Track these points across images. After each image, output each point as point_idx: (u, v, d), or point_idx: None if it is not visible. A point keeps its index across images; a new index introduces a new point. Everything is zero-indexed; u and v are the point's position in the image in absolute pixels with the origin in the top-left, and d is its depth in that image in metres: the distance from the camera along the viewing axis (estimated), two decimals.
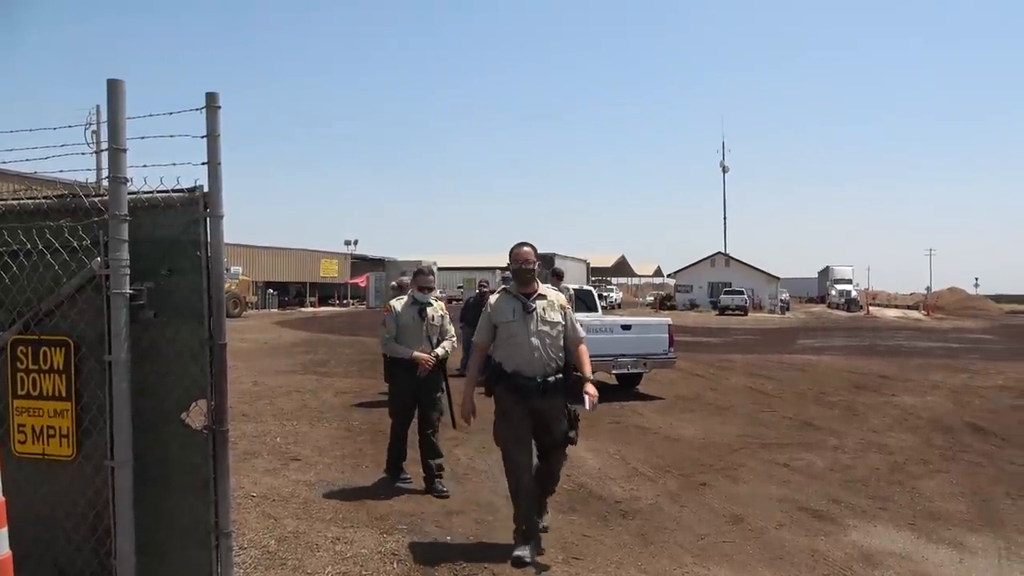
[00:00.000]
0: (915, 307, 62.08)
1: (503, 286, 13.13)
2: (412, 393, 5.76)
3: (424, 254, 62.85)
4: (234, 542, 3.98)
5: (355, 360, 15.30)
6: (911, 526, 5.15)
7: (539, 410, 4.21)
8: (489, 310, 4.37)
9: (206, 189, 2.60)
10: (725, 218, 78.51)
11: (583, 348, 4.38)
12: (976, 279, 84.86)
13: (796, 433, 8.42)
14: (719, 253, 59.70)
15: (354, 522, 4.92)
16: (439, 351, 5.77)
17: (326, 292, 51.67)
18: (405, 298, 5.99)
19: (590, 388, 4.15)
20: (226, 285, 19.26)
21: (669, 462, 6.92)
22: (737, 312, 47.23)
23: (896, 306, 69.47)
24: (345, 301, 51.56)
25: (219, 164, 2.59)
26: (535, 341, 4.18)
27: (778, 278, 57.94)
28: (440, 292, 45.67)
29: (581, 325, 4.48)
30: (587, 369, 4.30)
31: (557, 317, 4.28)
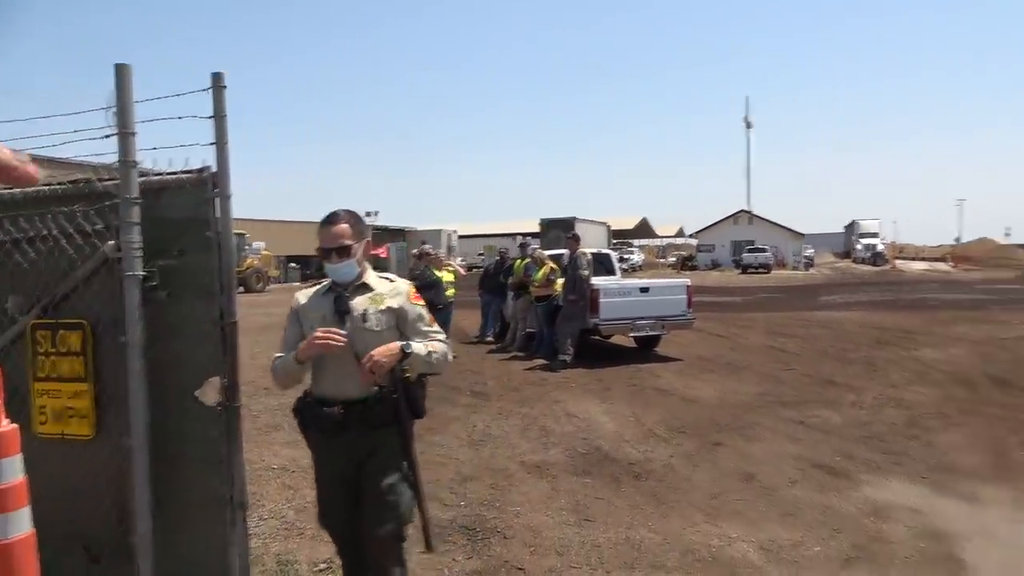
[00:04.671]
0: (943, 259, 61.02)
1: (512, 256, 13.15)
2: (340, 471, 2.80)
3: (444, 223, 63.08)
4: (252, 513, 4.15)
5: None
6: (924, 480, 5.18)
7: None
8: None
9: (214, 169, 2.66)
10: (749, 175, 77.23)
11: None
12: (1007, 229, 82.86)
13: (814, 390, 8.43)
14: (742, 211, 58.94)
15: None
16: (413, 347, 2.72)
17: None
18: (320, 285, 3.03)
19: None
20: (248, 260, 19.65)
21: (685, 423, 6.98)
22: (760, 270, 46.77)
23: (924, 259, 68.21)
24: None
25: (226, 144, 2.63)
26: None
27: (802, 234, 57.14)
28: (460, 260, 45.53)
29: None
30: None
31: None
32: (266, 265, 35.94)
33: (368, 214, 55.02)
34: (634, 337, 11.23)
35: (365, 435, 2.71)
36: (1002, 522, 4.39)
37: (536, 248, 12.57)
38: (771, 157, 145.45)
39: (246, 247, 34.50)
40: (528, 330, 11.97)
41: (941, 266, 53.48)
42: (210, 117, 2.59)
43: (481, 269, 16.25)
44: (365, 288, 2.85)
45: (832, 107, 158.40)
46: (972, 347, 11.41)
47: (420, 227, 59.09)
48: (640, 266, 58.89)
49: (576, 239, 10.85)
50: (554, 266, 11.14)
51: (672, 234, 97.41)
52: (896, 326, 14.62)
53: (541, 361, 10.70)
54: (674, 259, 66.34)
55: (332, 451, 2.78)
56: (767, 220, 57.38)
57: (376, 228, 55.49)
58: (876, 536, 4.21)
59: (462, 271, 13.04)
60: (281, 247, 42.72)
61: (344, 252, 2.77)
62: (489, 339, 13.17)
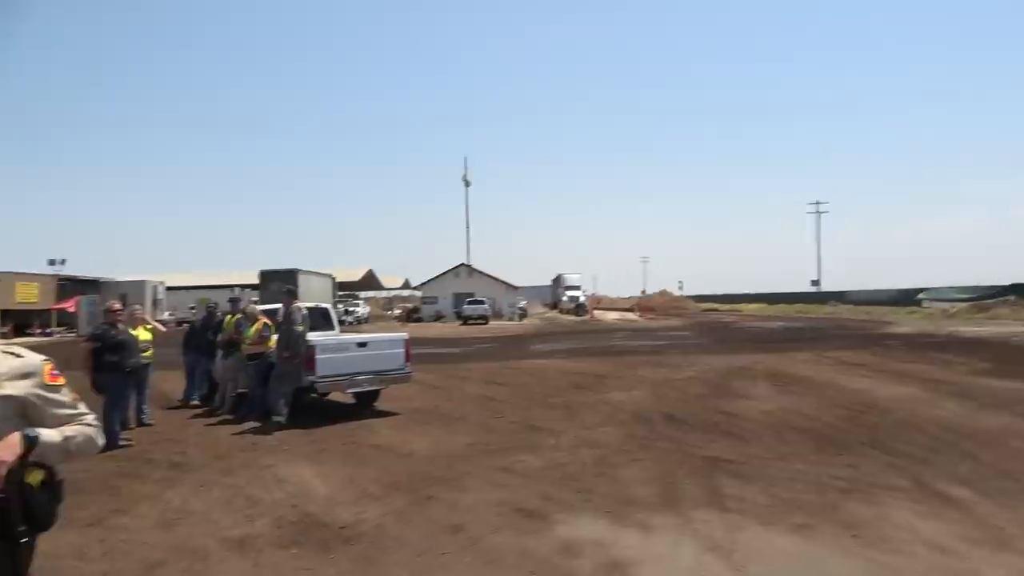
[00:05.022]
0: (631, 310, 69.72)
1: (222, 310, 12.38)
2: None
3: (150, 273, 57.10)
4: None
5: None
6: (608, 514, 5.76)
7: None
8: None
9: None
10: (468, 230, 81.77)
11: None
12: (680, 282, 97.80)
13: (521, 436, 9.00)
14: (462, 265, 61.92)
15: None
16: (41, 435, 2.13)
17: (24, 320, 44.53)
18: None
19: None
20: None
21: (399, 478, 7.00)
22: (479, 321, 49.34)
23: (617, 309, 77.49)
24: (49, 331, 44.85)
25: None
26: None
27: (516, 287, 61.53)
28: (168, 314, 41.80)
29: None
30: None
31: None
32: None
33: (52, 262, 48.04)
34: (352, 393, 11.08)
35: None
36: (666, 546, 5.03)
37: (248, 302, 11.92)
38: (489, 213, 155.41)
39: None
40: (239, 391, 11.22)
41: (630, 315, 60.99)
42: None
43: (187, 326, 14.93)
44: None
45: (542, 170, 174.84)
46: (651, 388, 13.10)
47: (120, 277, 52.95)
48: (366, 319, 58.76)
49: (291, 294, 10.49)
50: (268, 321, 10.65)
51: (399, 286, 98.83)
52: (592, 371, 16.28)
53: (253, 424, 10.07)
54: (400, 311, 67.27)
55: None
56: (485, 273, 60.93)
57: (63, 279, 48.55)
58: (566, 572, 4.57)
59: (161, 328, 11.85)
60: None
61: None
62: (195, 402, 12.09)
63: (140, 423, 10.07)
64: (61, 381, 2.35)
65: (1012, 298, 42.93)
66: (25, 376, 2.25)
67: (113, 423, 8.76)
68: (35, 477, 2.12)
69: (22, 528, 2.07)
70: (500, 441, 8.73)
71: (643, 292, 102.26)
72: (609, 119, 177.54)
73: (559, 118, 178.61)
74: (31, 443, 2.09)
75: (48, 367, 2.34)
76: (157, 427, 10.08)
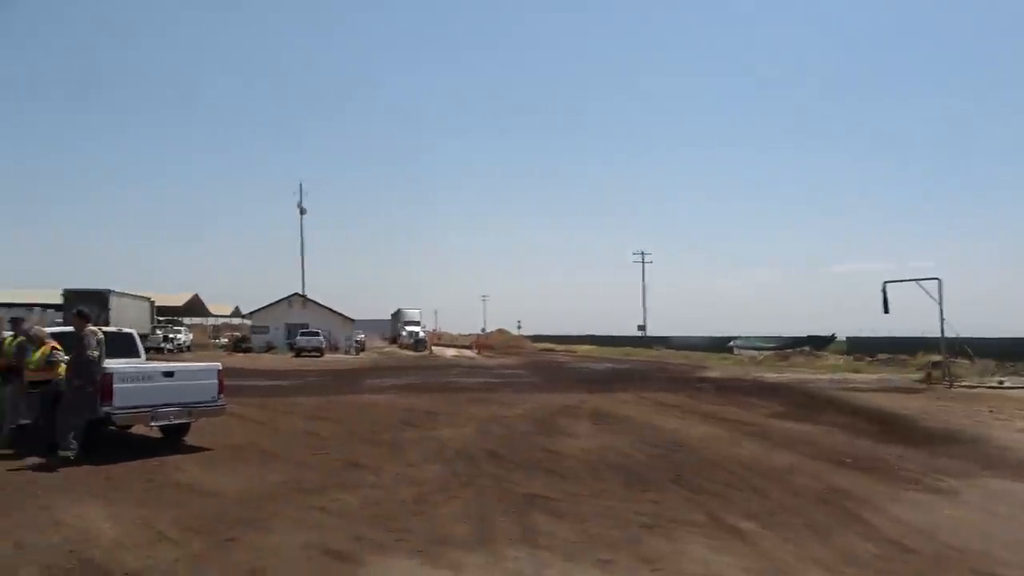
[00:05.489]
0: (470, 347, 70.40)
1: (5, 332, 11.09)
2: None
3: None
4: None
5: None
6: (421, 553, 5.65)
7: None
8: None
9: None
10: (303, 259, 78.84)
11: None
12: (519, 321, 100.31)
13: (340, 474, 8.69)
14: (296, 294, 59.59)
15: None
16: None
17: None
18: None
19: None
20: None
21: (201, 520, 6.49)
22: (314, 353, 47.61)
23: (456, 345, 77.99)
24: None
25: None
26: None
27: (353, 320, 60.12)
28: None
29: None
30: None
31: None
32: None
33: None
34: (158, 427, 10.21)
35: None
36: None
37: (33, 324, 10.71)
38: (326, 243, 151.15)
39: None
40: (21, 422, 9.97)
41: (468, 352, 61.51)
42: None
43: None
44: None
45: (384, 202, 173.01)
46: (478, 425, 13.18)
47: None
48: (190, 346, 54.91)
49: (83, 316, 9.55)
50: (56, 346, 9.60)
51: (228, 313, 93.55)
52: (423, 408, 16.15)
53: (35, 459, 8.97)
54: (227, 340, 63.46)
55: None
56: (321, 304, 59.02)
57: None
58: None
59: None
60: None
61: None
62: None
63: None
64: None
65: (807, 348, 47.97)
66: None
67: None
68: None
69: None
70: (318, 479, 8.37)
71: (483, 330, 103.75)
72: (449, 154, 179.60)
73: (399, 150, 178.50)
74: None
75: None
76: None
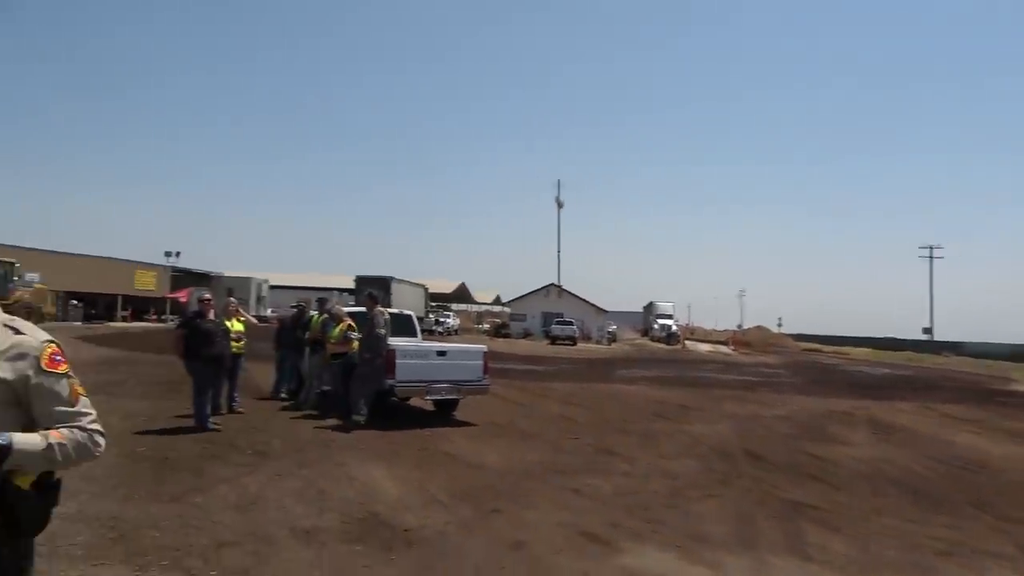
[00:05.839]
0: (725, 343, 67.61)
1: (309, 311, 12.76)
2: None
3: (256, 270, 60.12)
4: None
5: (156, 381, 14.20)
6: (677, 548, 5.51)
7: None
8: None
9: None
10: (559, 251, 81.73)
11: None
12: (780, 319, 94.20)
13: (594, 459, 8.81)
14: (552, 285, 61.90)
15: (108, 558, 4.50)
16: (15, 441, 1.83)
17: (141, 306, 47.75)
18: None
19: None
20: (17, 293, 17.47)
21: (468, 489, 6.97)
22: (567, 342, 49.07)
23: (710, 341, 75.39)
24: (163, 317, 47.89)
25: None
26: None
27: (605, 311, 60.92)
28: (270, 311, 43.73)
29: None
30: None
31: None
32: (39, 300, 32.02)
33: (168, 255, 51.32)
34: (432, 400, 11.18)
35: None
36: None
37: (335, 303, 12.28)
38: (582, 235, 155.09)
39: (15, 278, 30.71)
40: (324, 388, 11.53)
41: (723, 348, 59.18)
42: None
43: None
44: None
45: (637, 191, 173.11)
46: (736, 423, 12.57)
47: (229, 273, 55.98)
48: (456, 330, 59.62)
49: (373, 298, 10.73)
50: (352, 323, 10.91)
51: (490, 301, 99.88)
52: (675, 401, 15.82)
53: (334, 421, 10.31)
54: (488, 326, 67.87)
55: None
56: (575, 295, 60.65)
57: (176, 271, 51.77)
58: None
59: (254, 320, 12.36)
60: (63, 281, 38.33)
61: None
62: (283, 396, 12.51)
63: (231, 410, 10.51)
64: (62, 369, 2.01)
65: None
66: (19, 357, 1.95)
67: (202, 407, 9.17)
68: (25, 479, 1.89)
69: (8, 533, 1.87)
70: (572, 462, 8.56)
71: (739, 326, 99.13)
72: (709, 144, 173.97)
73: (659, 143, 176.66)
74: (3, 451, 1.79)
75: (49, 350, 2.00)
76: (246, 415, 10.48)
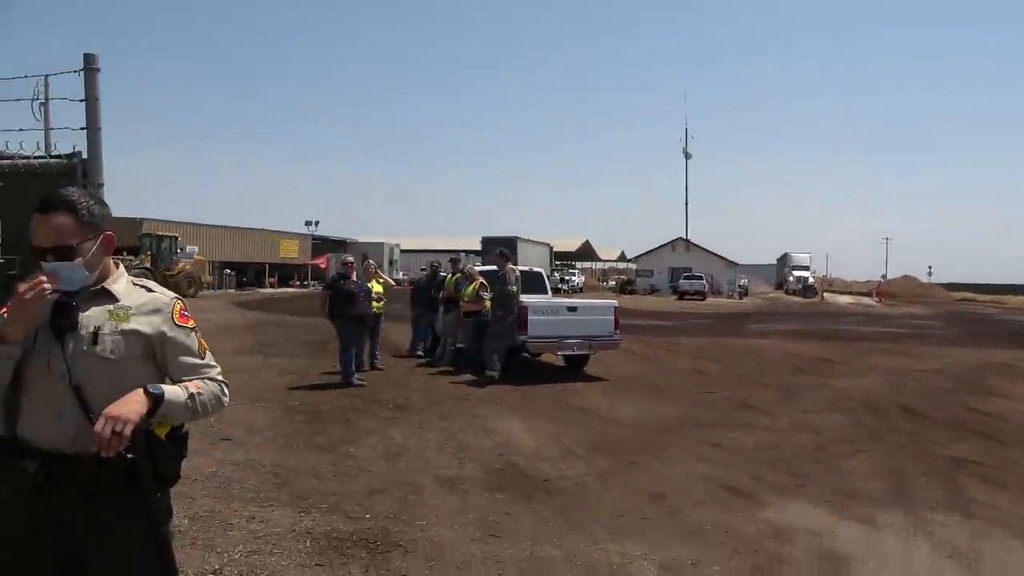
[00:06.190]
0: (868, 294, 63.52)
1: (444, 270, 13.06)
2: (38, 556, 1.93)
3: (388, 236, 62.57)
4: None
5: (305, 341, 15.16)
6: (827, 503, 5.29)
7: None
8: None
9: (84, 156, 2.53)
10: (687, 204, 79.26)
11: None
12: (930, 267, 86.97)
13: (731, 414, 8.59)
14: (679, 239, 60.32)
15: (274, 501, 4.89)
16: (166, 392, 1.92)
17: (286, 273, 51.00)
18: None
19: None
20: (180, 264, 19.18)
21: (602, 442, 7.00)
22: (695, 297, 47.85)
23: (851, 292, 71.05)
24: (306, 283, 50.99)
25: (99, 130, 2.52)
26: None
27: (736, 264, 58.76)
28: (402, 274, 45.59)
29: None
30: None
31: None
32: (199, 270, 34.89)
33: (308, 224, 54.35)
34: (562, 356, 11.27)
35: (81, 507, 1.89)
36: (895, 545, 4.51)
37: (467, 263, 12.56)
38: (710, 186, 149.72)
39: (178, 251, 33.57)
40: (458, 345, 11.89)
41: (866, 300, 55.63)
42: (81, 100, 2.47)
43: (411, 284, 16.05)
44: (105, 297, 2.00)
45: (767, 140, 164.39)
46: (885, 377, 11.84)
47: (362, 239, 58.60)
48: (582, 288, 59.58)
49: (504, 256, 10.86)
50: (484, 282, 11.13)
51: (614, 258, 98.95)
52: (816, 355, 15.09)
53: (468, 376, 10.63)
54: (614, 283, 67.36)
55: (29, 521, 1.90)
56: (703, 248, 58.85)
57: (316, 238, 54.78)
58: (774, 557, 4.27)
59: (392, 283, 12.87)
60: (217, 252, 41.62)
61: (64, 253, 1.90)
62: (419, 353, 13.03)
63: (373, 367, 11.07)
64: (191, 324, 2.09)
65: None
66: (154, 312, 2.04)
67: (348, 364, 9.71)
68: (163, 429, 1.98)
69: (154, 482, 1.94)
70: (708, 416, 8.39)
71: (883, 276, 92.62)
72: (839, 86, 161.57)
73: (786, 84, 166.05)
74: (156, 401, 1.87)
75: (179, 306, 2.09)
76: (387, 372, 11.01)
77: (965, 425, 8.18)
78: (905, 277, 77.64)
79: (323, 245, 54.73)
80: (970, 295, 67.37)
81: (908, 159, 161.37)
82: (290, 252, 50.99)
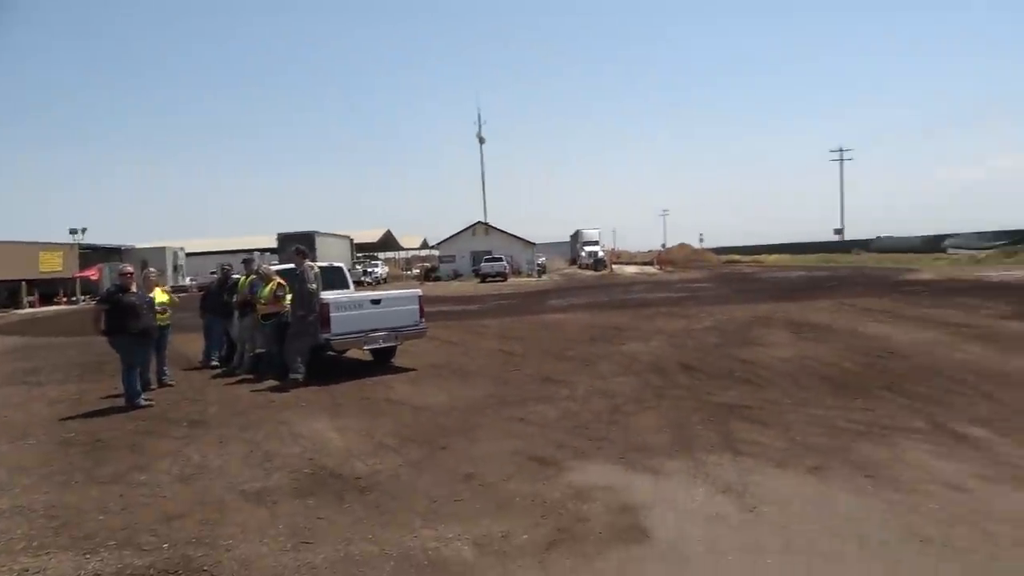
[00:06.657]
0: (651, 263, 69.29)
1: (235, 274, 12.40)
2: None
3: (170, 239, 57.64)
4: None
5: (78, 363, 13.63)
6: (621, 460, 5.77)
7: None
8: None
9: None
10: (484, 188, 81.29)
11: None
12: (701, 235, 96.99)
13: (535, 388, 9.02)
14: (479, 222, 61.61)
15: (51, 547, 4.39)
16: None
17: (49, 289, 45.26)
18: None
19: None
20: None
21: (414, 431, 7.06)
22: (497, 279, 49.27)
23: (636, 263, 77.18)
24: (74, 298, 45.60)
25: None
26: None
27: (534, 243, 61.28)
28: (189, 279, 42.50)
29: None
30: None
31: None
32: None
33: (74, 231, 48.53)
34: (369, 350, 11.14)
35: None
36: (679, 489, 5.02)
37: (261, 263, 11.96)
38: (505, 170, 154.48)
39: None
40: (257, 350, 11.32)
41: (650, 269, 60.63)
42: None
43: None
44: None
45: (556, 122, 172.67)
46: (668, 339, 13.04)
47: (140, 245, 53.55)
48: (385, 279, 59.03)
49: (301, 252, 10.50)
50: (281, 281, 10.68)
51: (417, 246, 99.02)
52: (608, 324, 16.24)
53: (271, 382, 10.18)
54: (418, 271, 67.46)
55: None
56: (502, 231, 60.64)
57: (85, 247, 49.14)
58: (577, 517, 4.58)
59: (176, 300, 11.93)
60: None
61: None
62: (215, 363, 12.22)
63: (161, 384, 10.22)
64: None
65: None
66: None
67: (131, 384, 8.88)
68: None
69: None
70: (515, 393, 8.75)
71: (663, 246, 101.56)
72: (623, 68, 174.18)
73: (572, 71, 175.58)
74: None
75: None
76: (178, 387, 10.23)
77: (732, 374, 9.26)
78: (681, 245, 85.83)
79: (93, 255, 49.31)
80: (736, 257, 76.00)
81: (678, 143, 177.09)
82: (53, 265, 45.28)
